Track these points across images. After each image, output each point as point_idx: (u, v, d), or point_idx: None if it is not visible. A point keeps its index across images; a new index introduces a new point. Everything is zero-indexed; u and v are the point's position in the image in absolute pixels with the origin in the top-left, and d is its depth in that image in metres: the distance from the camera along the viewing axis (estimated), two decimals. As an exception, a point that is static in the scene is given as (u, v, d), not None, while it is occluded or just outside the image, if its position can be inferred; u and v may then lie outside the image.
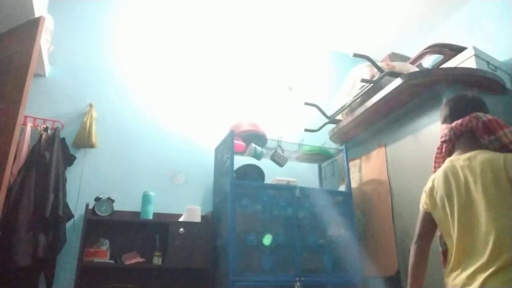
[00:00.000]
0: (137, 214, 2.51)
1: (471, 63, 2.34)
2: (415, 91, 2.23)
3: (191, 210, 2.53)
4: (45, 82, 2.68)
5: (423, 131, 2.24)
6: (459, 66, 2.42)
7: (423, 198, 1.51)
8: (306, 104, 2.94)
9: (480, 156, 1.34)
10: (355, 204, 2.68)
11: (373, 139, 2.70)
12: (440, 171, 1.46)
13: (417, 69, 2.50)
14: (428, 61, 3.04)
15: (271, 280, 2.20)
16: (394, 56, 3.07)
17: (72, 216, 2.36)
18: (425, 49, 2.70)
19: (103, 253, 2.25)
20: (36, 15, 2.27)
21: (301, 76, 3.64)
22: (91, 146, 2.58)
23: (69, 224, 2.35)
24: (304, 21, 3.50)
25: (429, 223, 1.46)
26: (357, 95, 2.61)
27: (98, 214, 2.35)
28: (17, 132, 1.94)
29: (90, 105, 2.68)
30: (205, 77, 3.23)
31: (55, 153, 2.33)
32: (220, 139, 2.81)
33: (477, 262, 1.20)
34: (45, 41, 2.46)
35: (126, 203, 2.54)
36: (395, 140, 2.48)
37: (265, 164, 2.80)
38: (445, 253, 1.44)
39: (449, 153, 1.51)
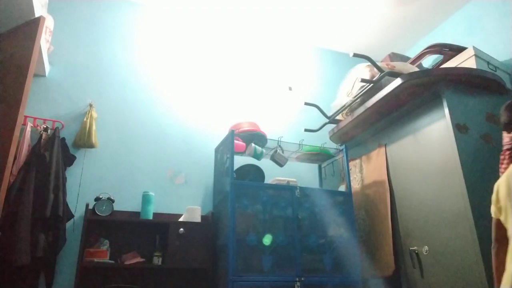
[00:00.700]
0: (137, 214, 2.51)
1: (471, 63, 2.34)
2: (415, 91, 2.24)
3: (191, 210, 2.53)
4: (45, 82, 2.68)
5: (423, 131, 2.24)
6: (459, 66, 2.42)
7: (492, 204, 1.55)
8: (306, 104, 2.94)
9: None
10: (358, 205, 2.68)
11: (373, 139, 2.70)
12: (503, 177, 1.51)
13: (417, 69, 2.50)
14: (428, 61, 3.05)
15: (271, 280, 2.20)
16: (394, 56, 3.07)
17: (72, 216, 2.36)
18: (425, 49, 2.70)
19: (103, 253, 2.25)
20: (36, 15, 2.27)
21: (301, 76, 3.64)
22: (91, 146, 2.58)
23: (69, 224, 2.35)
24: (304, 21, 3.49)
25: (499, 229, 1.51)
26: (357, 95, 2.61)
27: (98, 214, 2.35)
28: (17, 132, 1.94)
29: (90, 105, 2.68)
30: (205, 77, 3.23)
31: (55, 153, 2.34)
32: (220, 139, 2.81)
33: None
34: (45, 41, 2.46)
35: (126, 203, 2.55)
36: (395, 140, 2.48)
37: (265, 164, 2.80)
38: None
39: None
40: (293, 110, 3.38)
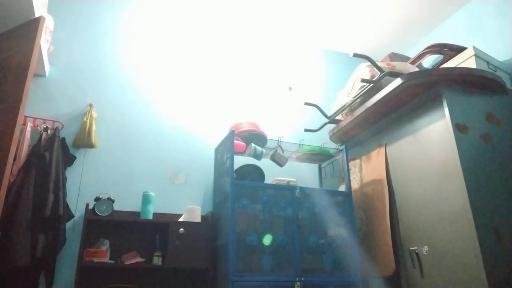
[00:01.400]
0: (137, 214, 2.51)
1: (471, 63, 2.34)
2: (415, 91, 2.23)
3: (191, 210, 2.53)
4: (45, 82, 2.68)
5: (423, 131, 2.24)
6: (459, 66, 2.42)
7: None
8: (306, 104, 2.94)
9: None
10: (356, 205, 2.68)
11: (373, 139, 2.70)
12: None
13: (417, 69, 2.50)
14: (428, 61, 3.05)
15: (271, 280, 2.20)
16: (394, 56, 3.07)
17: (72, 216, 2.36)
18: (425, 49, 2.70)
19: (103, 253, 2.25)
20: (36, 15, 2.27)
21: (301, 76, 3.64)
22: (91, 146, 2.58)
23: (69, 224, 2.35)
24: (304, 21, 3.49)
25: None
26: (357, 95, 2.61)
27: (98, 214, 2.35)
28: (17, 132, 1.94)
29: (90, 105, 2.68)
30: (205, 77, 3.23)
31: (55, 153, 2.34)
32: (220, 139, 2.81)
33: None
34: (45, 41, 2.46)
35: (126, 203, 2.55)
36: (395, 140, 2.48)
37: (265, 164, 2.80)
38: None
39: None
40: (293, 110, 3.38)
